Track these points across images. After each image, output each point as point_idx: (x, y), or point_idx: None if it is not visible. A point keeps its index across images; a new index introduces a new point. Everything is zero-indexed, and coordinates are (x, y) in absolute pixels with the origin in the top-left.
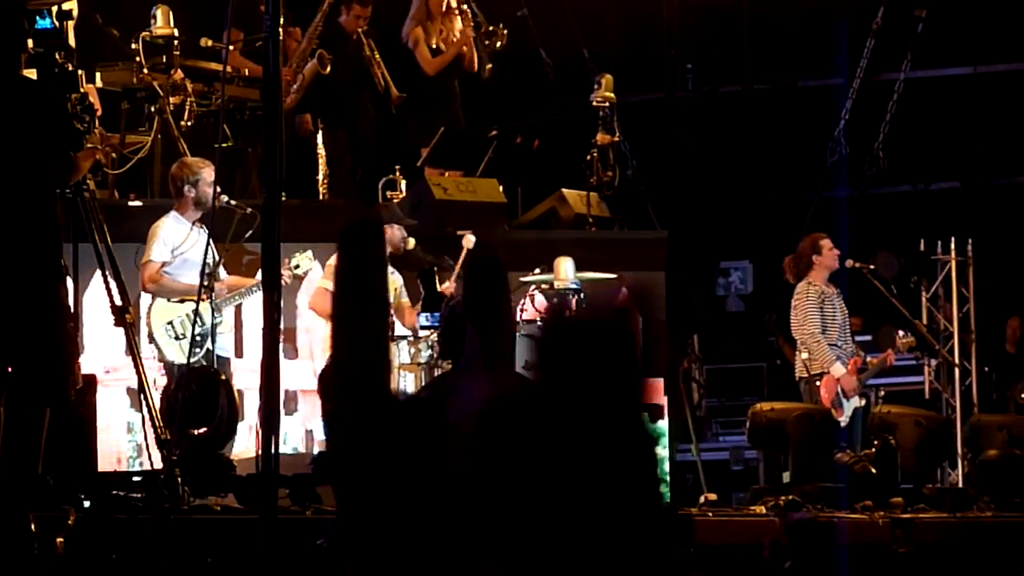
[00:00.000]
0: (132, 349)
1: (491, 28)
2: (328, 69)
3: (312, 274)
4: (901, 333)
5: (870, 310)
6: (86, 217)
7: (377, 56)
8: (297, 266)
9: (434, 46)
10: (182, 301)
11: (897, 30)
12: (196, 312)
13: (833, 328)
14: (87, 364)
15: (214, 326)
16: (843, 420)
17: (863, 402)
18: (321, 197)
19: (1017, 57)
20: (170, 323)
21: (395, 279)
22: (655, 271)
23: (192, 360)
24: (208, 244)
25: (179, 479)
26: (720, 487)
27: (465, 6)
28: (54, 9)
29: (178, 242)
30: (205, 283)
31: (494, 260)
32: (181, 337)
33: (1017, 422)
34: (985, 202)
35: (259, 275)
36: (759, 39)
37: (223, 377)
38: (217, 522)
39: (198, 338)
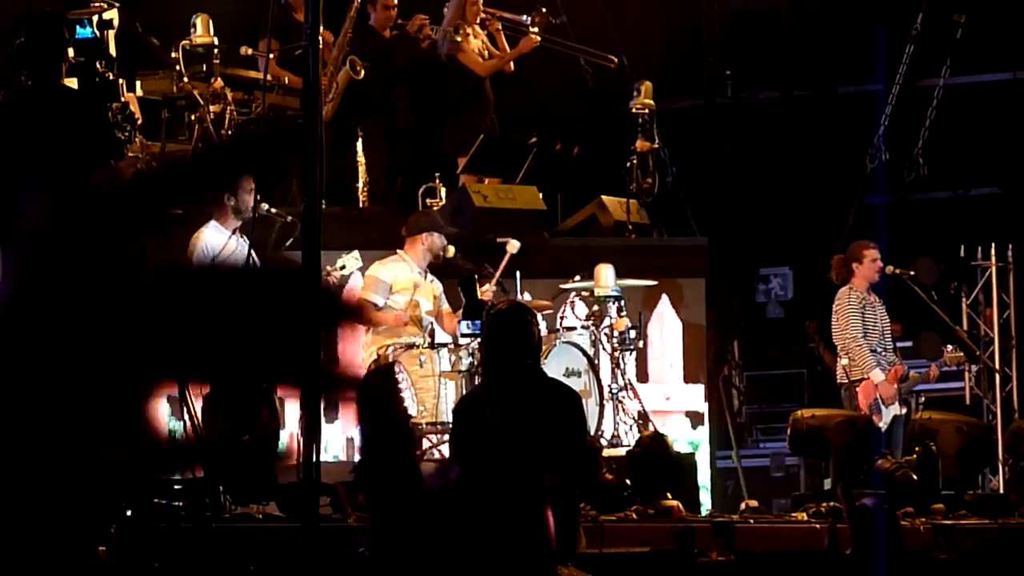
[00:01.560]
0: None
1: (530, 17)
2: (362, 74)
3: (354, 279)
4: (950, 348)
5: (910, 316)
6: None
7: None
8: (343, 267)
9: (475, 50)
10: None
11: (936, 35)
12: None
13: (873, 334)
14: None
15: None
16: (882, 426)
17: (904, 410)
18: (361, 205)
19: None
20: None
21: (435, 286)
22: (695, 278)
23: None
24: (249, 254)
25: (221, 488)
26: (761, 494)
27: (494, 19)
28: (95, 19)
29: (218, 251)
30: None
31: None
32: None
33: None
34: None
35: None
36: (798, 45)
37: (264, 385)
38: (258, 530)
39: None
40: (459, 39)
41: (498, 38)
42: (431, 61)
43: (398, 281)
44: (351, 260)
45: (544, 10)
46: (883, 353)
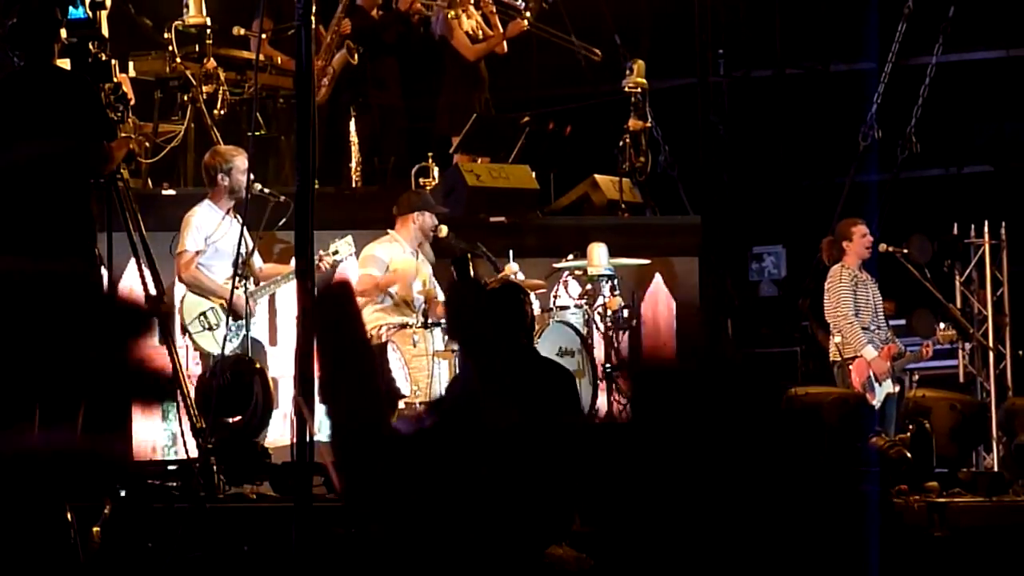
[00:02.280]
0: (166, 338)
1: (523, 1)
2: (356, 59)
3: (349, 261)
4: (942, 326)
5: (904, 294)
6: (120, 206)
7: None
8: (336, 251)
9: (468, 31)
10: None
11: (928, 13)
12: (230, 302)
13: (866, 312)
14: None
15: (248, 315)
16: (875, 404)
17: (896, 388)
18: (354, 185)
19: None
20: (203, 314)
21: (425, 268)
22: (688, 256)
23: (227, 349)
24: (242, 234)
25: (214, 468)
26: None
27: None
28: None
29: (211, 231)
30: (239, 271)
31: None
32: (214, 327)
33: None
34: (1018, 185)
35: (293, 262)
36: (790, 24)
37: (258, 365)
38: (252, 510)
39: (232, 327)
40: (452, 17)
41: (492, 19)
42: (422, 39)
43: (393, 261)
44: (344, 245)
45: None
46: (876, 331)
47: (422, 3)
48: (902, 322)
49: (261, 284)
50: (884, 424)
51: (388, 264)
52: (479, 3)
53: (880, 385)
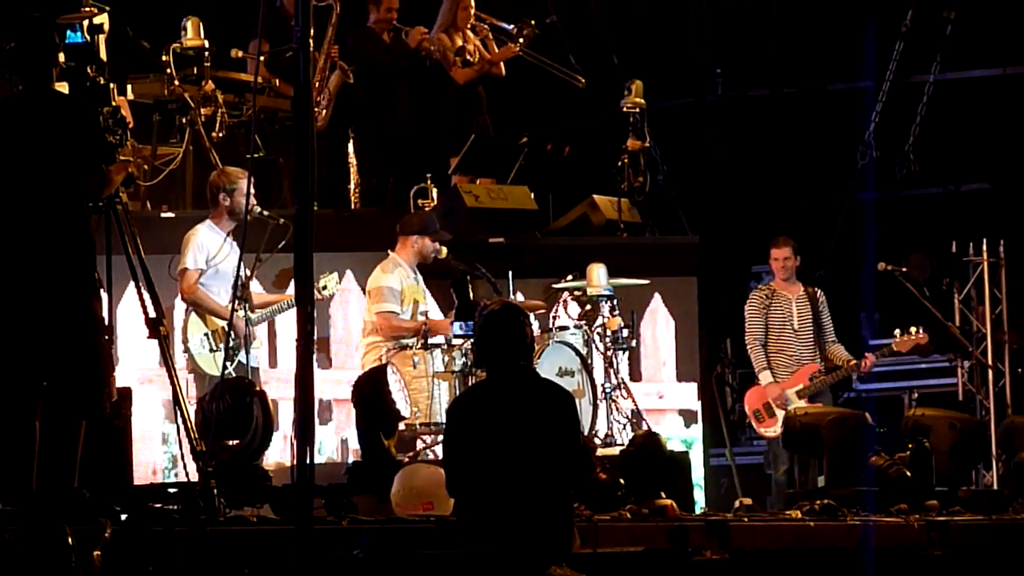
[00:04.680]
0: (167, 361)
1: (516, 27)
2: (352, 78)
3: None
4: (897, 333)
5: (902, 312)
6: (119, 229)
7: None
8: (324, 287)
9: (468, 53)
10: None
11: (926, 32)
12: (230, 325)
13: (784, 331)
14: (122, 377)
15: (247, 338)
16: (772, 431)
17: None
18: (353, 206)
19: None
20: (206, 335)
21: (423, 287)
22: (687, 276)
23: (225, 372)
24: (241, 258)
25: (215, 490)
26: (754, 492)
27: (483, 24)
28: (85, 23)
29: (212, 252)
30: (239, 295)
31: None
32: (216, 350)
33: None
34: (1016, 203)
35: (291, 289)
36: (788, 43)
37: (257, 388)
38: (253, 533)
39: (232, 351)
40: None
41: (489, 44)
42: (429, 62)
43: (404, 289)
44: (331, 281)
45: (532, 22)
46: (795, 353)
47: (428, 42)
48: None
49: (259, 312)
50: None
51: (402, 291)
52: (475, 29)
53: (783, 411)
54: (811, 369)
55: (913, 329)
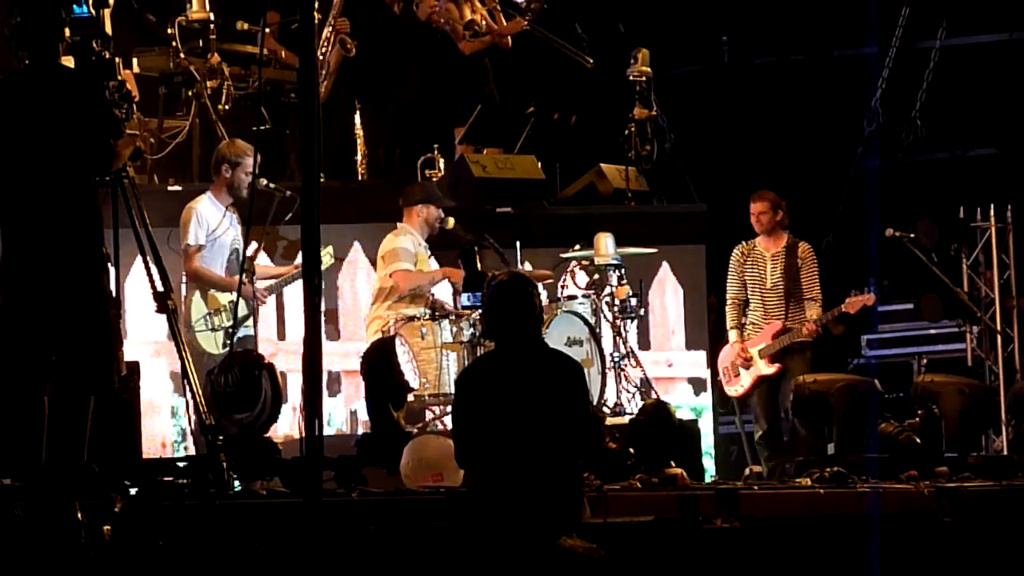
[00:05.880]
0: (175, 335)
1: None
2: (353, 52)
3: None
4: (853, 292)
5: (911, 279)
6: (126, 203)
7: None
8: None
9: (470, 29)
10: (222, 291)
11: None
12: (239, 295)
13: (756, 288)
14: (130, 350)
15: (253, 312)
16: (735, 390)
17: (772, 369)
18: (360, 178)
19: None
20: (208, 314)
21: (428, 257)
22: (695, 244)
23: (227, 348)
24: (248, 233)
25: (224, 464)
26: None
27: None
28: None
29: (213, 225)
30: (244, 267)
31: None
32: (216, 329)
33: None
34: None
35: (299, 259)
36: (793, 10)
37: (266, 360)
38: (263, 506)
39: (242, 321)
40: (453, 12)
41: (496, 15)
42: (440, 34)
43: (416, 253)
44: (325, 256)
45: None
46: (768, 309)
47: (438, 14)
48: (910, 306)
49: (267, 282)
50: (763, 410)
51: (415, 255)
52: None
53: (747, 370)
54: (776, 327)
55: (854, 291)
